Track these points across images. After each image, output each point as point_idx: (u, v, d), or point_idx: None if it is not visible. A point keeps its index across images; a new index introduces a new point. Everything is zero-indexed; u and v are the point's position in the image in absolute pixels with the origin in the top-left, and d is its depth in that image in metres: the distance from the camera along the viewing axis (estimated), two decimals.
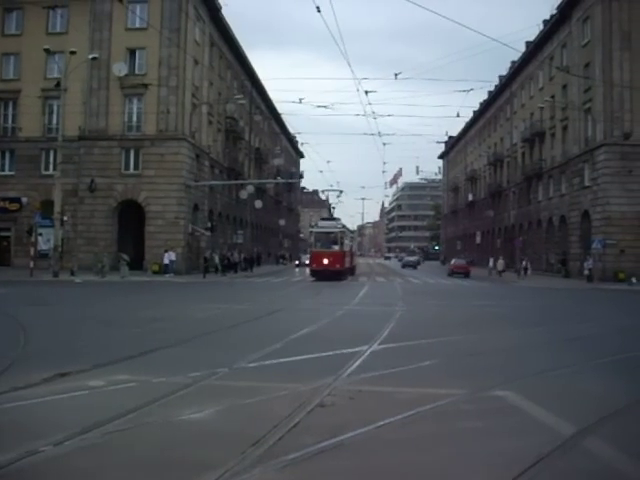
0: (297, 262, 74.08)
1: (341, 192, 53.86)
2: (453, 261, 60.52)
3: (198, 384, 8.45)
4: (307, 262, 52.79)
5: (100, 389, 8.17)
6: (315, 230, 43.78)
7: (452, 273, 55.01)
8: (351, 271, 48.38)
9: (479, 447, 6.12)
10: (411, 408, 7.21)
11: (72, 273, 37.12)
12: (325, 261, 40.31)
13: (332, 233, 42.02)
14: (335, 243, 41.41)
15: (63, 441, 5.81)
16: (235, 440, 6.05)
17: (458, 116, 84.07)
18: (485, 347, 12.65)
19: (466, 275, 53.07)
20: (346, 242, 44.30)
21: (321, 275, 39.96)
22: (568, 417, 7.06)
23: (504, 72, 72.67)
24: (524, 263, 49.59)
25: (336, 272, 40.05)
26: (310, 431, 6.33)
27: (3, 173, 45.53)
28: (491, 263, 54.54)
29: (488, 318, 19.64)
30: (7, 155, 45.74)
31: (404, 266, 78.40)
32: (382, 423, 6.61)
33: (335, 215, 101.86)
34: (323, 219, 49.48)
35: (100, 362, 9.77)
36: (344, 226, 46.71)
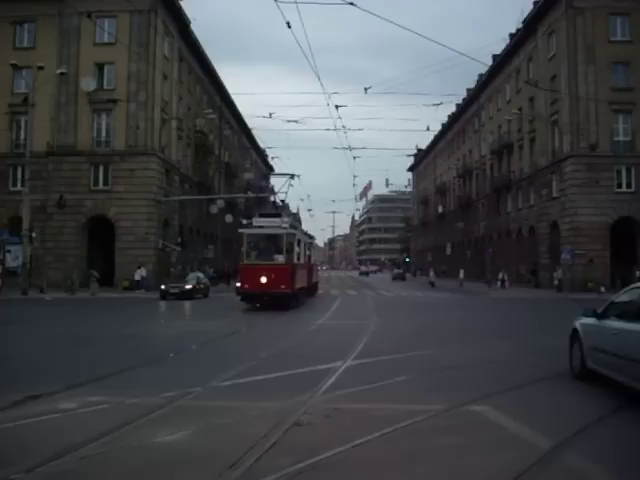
0: (162, 287, 36.39)
1: (293, 176, 37.19)
2: (394, 270, 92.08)
3: (172, 404, 8.34)
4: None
5: (72, 412, 8.01)
6: (247, 231, 28.87)
7: (394, 278, 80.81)
8: (309, 292, 35.65)
9: (458, 464, 6.09)
10: (388, 425, 7.17)
11: (41, 290, 36.63)
12: (263, 279, 26.51)
13: (275, 236, 28.05)
14: (279, 251, 27.71)
15: (35, 468, 5.68)
16: (212, 462, 5.97)
17: (428, 129, 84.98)
18: (459, 360, 12.65)
19: (402, 279, 78.75)
20: (297, 249, 29.80)
21: (255, 300, 27.78)
22: (545, 431, 7.08)
23: (472, 85, 73.35)
24: (501, 275, 49.89)
25: (279, 297, 26.82)
26: (287, 451, 6.28)
27: None
28: (461, 275, 54.90)
29: (460, 331, 19.68)
30: None
31: (360, 274, 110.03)
32: (359, 442, 6.56)
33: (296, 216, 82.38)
34: (263, 215, 31.72)
35: (72, 383, 9.61)
36: (295, 225, 32.36)
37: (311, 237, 41.90)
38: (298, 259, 30.16)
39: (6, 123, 44.23)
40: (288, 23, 20.93)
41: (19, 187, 41.45)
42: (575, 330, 10.91)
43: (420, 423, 7.48)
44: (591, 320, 10.38)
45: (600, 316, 10.12)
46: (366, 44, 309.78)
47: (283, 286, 26.66)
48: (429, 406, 8.27)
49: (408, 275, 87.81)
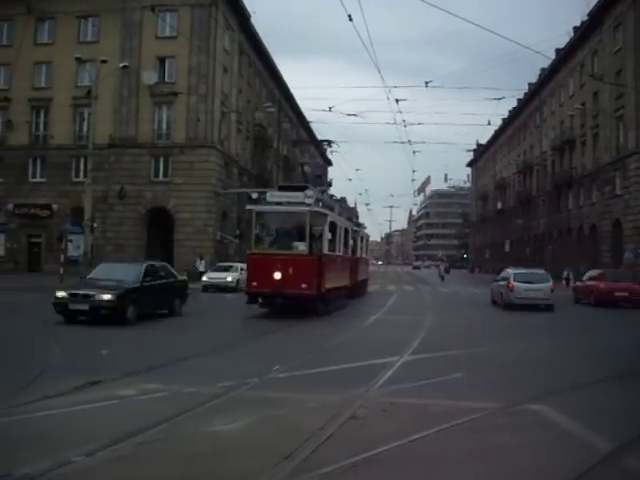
0: None
1: (330, 143, 31.15)
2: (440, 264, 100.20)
3: (229, 394, 8.40)
4: None
5: (131, 398, 8.17)
6: (257, 209, 21.58)
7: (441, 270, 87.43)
8: (353, 292, 28.29)
9: (516, 463, 6.00)
10: (445, 421, 7.10)
11: None
12: (276, 275, 19.57)
13: (295, 215, 20.93)
14: (300, 237, 20.55)
15: (95, 452, 5.78)
16: (267, 452, 5.98)
17: (489, 124, 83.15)
18: (517, 358, 12.46)
19: (447, 272, 74.67)
20: (328, 235, 21.61)
21: (267, 302, 21.34)
22: (605, 433, 6.89)
23: (534, 80, 72.15)
24: (565, 274, 48.72)
25: (299, 299, 20.25)
26: (343, 444, 6.26)
27: (34, 180, 46.09)
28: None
29: (518, 328, 19.41)
30: (39, 162, 46.32)
31: (413, 268, 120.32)
32: (416, 437, 6.50)
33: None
34: (282, 187, 23.92)
35: (131, 370, 9.77)
36: (328, 204, 23.81)
37: (359, 225, 35.10)
38: (332, 249, 22.76)
39: (70, 115, 45.23)
40: (350, 16, 20.84)
41: (81, 178, 42.30)
42: (491, 287, 29.81)
43: (476, 421, 7.39)
44: (496, 282, 28.61)
45: (497, 281, 28.56)
46: (427, 37, 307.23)
47: (304, 285, 19.61)
48: (486, 403, 8.17)
49: (465, 271, 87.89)
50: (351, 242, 28.61)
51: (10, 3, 45.18)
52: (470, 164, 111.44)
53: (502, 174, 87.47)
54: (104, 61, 37.85)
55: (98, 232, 41.74)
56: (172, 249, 43.90)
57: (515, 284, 25.93)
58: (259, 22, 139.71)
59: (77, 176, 44.67)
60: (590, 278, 30.95)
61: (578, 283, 33.06)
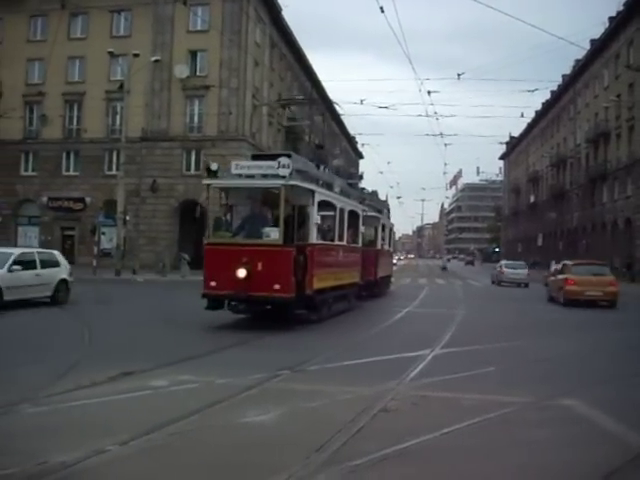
0: None
1: (334, 105, 23.52)
2: (466, 258, 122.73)
3: (260, 386, 8.44)
4: None
5: (164, 389, 8.24)
6: (216, 183, 15.80)
7: (466, 263, 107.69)
8: (367, 292, 23.93)
9: (547, 457, 5.95)
10: (476, 415, 7.08)
11: (134, 272, 37.60)
12: (240, 272, 14.20)
13: (267, 190, 15.96)
14: (274, 221, 15.70)
15: (128, 441, 5.85)
16: (299, 444, 6.01)
17: (522, 116, 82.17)
18: (549, 353, 12.37)
19: (472, 264, 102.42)
20: (316, 219, 15.80)
21: (235, 309, 15.94)
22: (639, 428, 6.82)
23: (568, 71, 71.33)
24: None
25: (272, 302, 15.18)
26: (374, 437, 6.27)
27: (68, 173, 46.60)
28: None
29: (550, 323, 19.25)
30: (72, 156, 46.81)
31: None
32: (447, 430, 6.49)
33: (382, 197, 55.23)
34: (256, 157, 19.01)
35: (163, 362, 9.84)
36: (315, 177, 17.07)
37: (380, 211, 28.98)
38: (330, 237, 18.05)
39: (103, 109, 45.63)
40: (381, 8, 20.81)
41: (114, 171, 42.70)
42: (492, 273, 45.63)
43: (508, 415, 7.36)
44: (495, 270, 44.84)
45: (495, 269, 44.92)
46: (459, 29, 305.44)
47: (277, 285, 14.40)
48: (518, 398, 8.13)
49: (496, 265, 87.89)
50: (364, 230, 23.09)
51: None
52: (502, 157, 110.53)
53: (535, 167, 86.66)
54: (136, 55, 38.16)
55: (131, 225, 42.13)
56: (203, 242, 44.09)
57: (504, 270, 41.91)
58: (290, 15, 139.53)
59: (110, 169, 45.07)
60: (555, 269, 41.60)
61: (545, 273, 41.28)
